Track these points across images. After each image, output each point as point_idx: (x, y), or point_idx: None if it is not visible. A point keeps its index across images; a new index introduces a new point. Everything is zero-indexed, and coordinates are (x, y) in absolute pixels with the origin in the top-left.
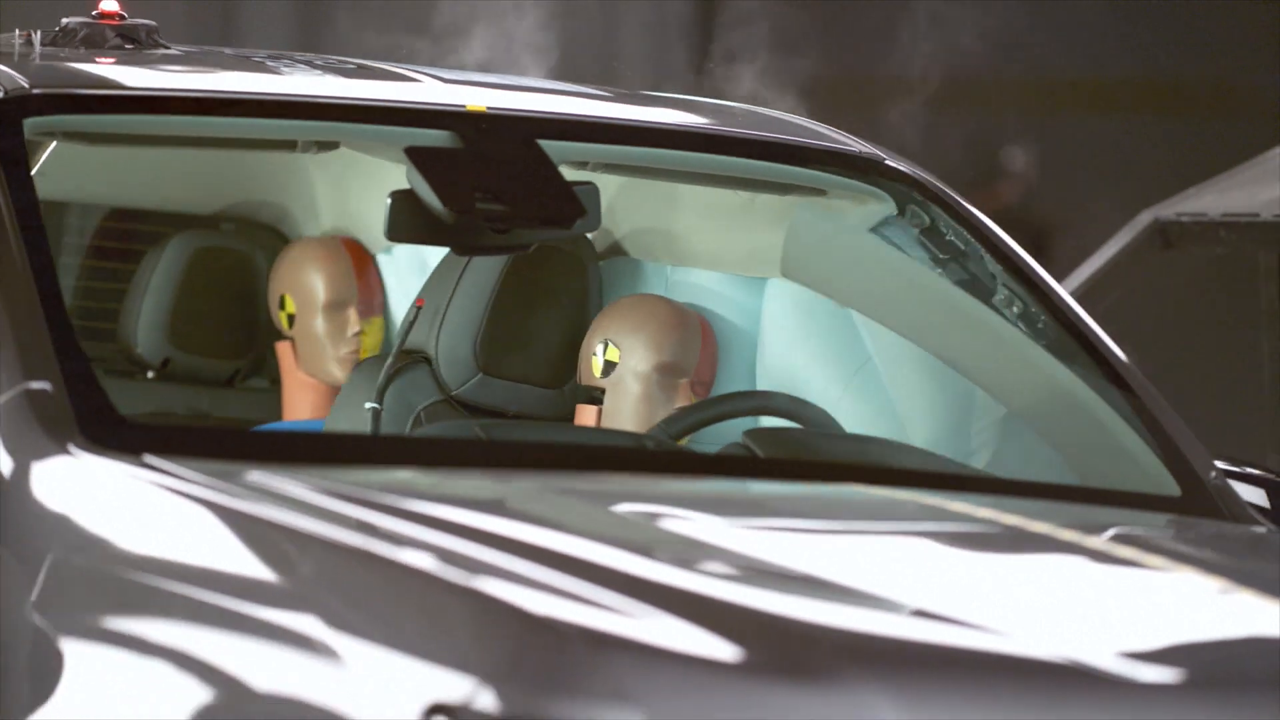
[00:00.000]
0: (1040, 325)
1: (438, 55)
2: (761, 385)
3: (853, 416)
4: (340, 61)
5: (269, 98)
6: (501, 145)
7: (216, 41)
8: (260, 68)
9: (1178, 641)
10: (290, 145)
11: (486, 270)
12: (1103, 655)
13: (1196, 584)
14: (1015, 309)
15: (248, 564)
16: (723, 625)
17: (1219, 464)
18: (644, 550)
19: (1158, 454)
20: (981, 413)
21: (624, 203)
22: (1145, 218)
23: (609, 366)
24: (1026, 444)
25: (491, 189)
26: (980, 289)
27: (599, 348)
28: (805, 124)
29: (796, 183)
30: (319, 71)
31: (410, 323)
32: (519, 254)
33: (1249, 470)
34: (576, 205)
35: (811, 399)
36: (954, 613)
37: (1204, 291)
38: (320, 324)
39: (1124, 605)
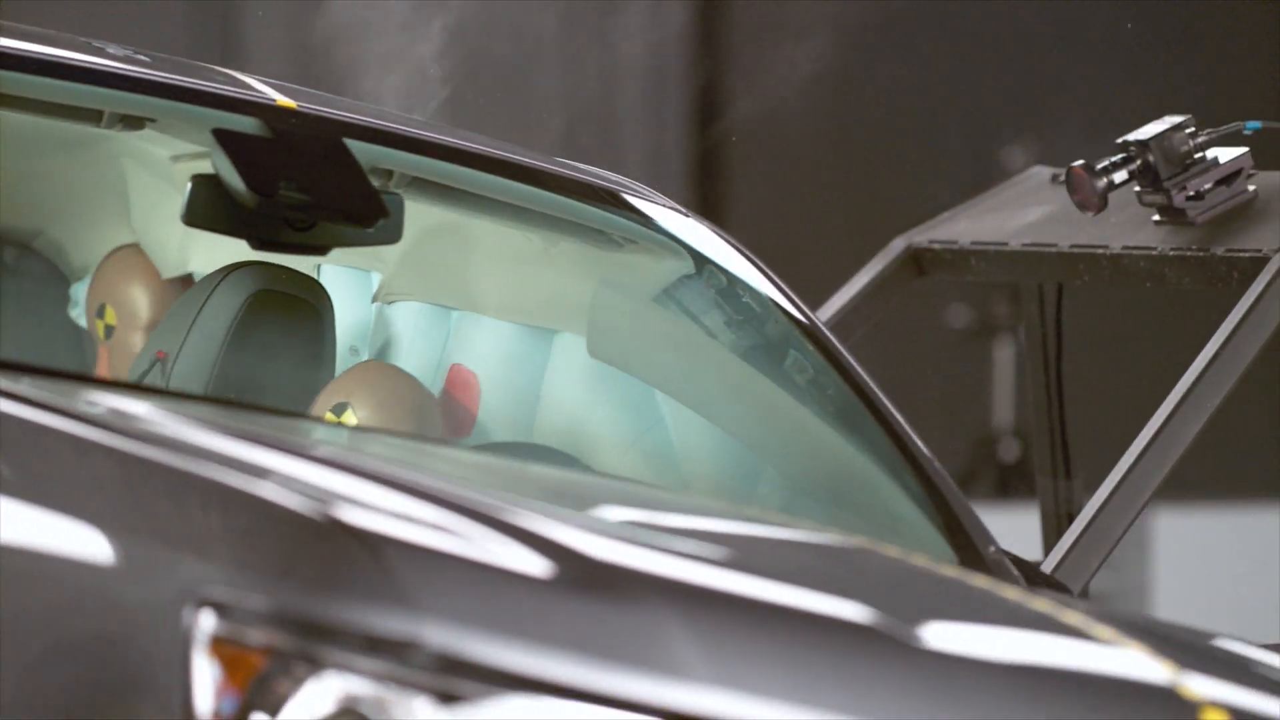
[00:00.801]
0: (830, 393)
1: (437, 55)
2: (540, 440)
3: (636, 477)
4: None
5: (71, 61)
6: (308, 142)
7: (216, 44)
8: (88, 48)
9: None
10: (95, 118)
11: (218, 318)
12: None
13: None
14: (805, 377)
15: (29, 466)
16: (507, 535)
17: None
18: (431, 468)
19: (938, 527)
20: (768, 484)
21: (417, 244)
22: (899, 244)
23: None
24: (811, 516)
25: (295, 183)
26: (772, 355)
27: (335, 413)
28: (615, 177)
29: (600, 229)
30: (144, 61)
31: (143, 374)
32: (253, 300)
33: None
34: (380, 208)
35: (593, 457)
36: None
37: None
38: (140, 344)
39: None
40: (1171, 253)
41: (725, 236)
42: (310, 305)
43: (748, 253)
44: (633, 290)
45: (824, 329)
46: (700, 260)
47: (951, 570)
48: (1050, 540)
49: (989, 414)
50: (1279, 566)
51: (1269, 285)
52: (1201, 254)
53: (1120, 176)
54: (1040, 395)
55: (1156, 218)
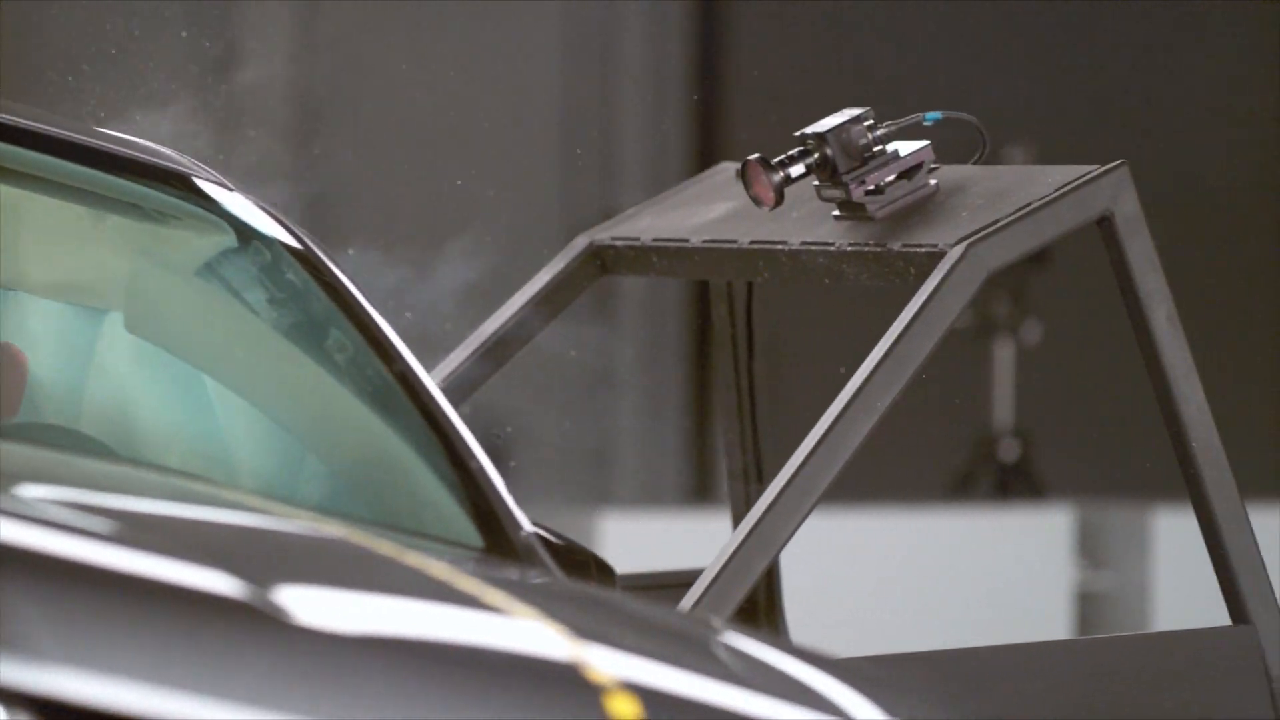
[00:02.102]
0: (368, 374)
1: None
2: (86, 426)
3: (184, 464)
4: None
5: None
6: None
7: (216, 44)
8: None
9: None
10: None
11: None
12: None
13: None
14: (344, 357)
15: None
16: None
17: (534, 525)
18: None
19: (466, 510)
20: (298, 464)
21: None
22: (581, 242)
23: None
24: (339, 498)
25: None
26: (315, 336)
27: None
28: (164, 150)
29: (143, 204)
30: None
31: None
32: None
33: (557, 539)
34: None
35: (139, 443)
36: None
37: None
38: None
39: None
40: (849, 248)
41: (273, 212)
42: None
43: (296, 228)
44: (173, 265)
45: (368, 309)
46: (246, 236)
47: (409, 558)
48: None
49: (989, 414)
50: (1279, 566)
51: (944, 280)
52: (879, 249)
53: (797, 170)
54: (729, 397)
55: (837, 213)
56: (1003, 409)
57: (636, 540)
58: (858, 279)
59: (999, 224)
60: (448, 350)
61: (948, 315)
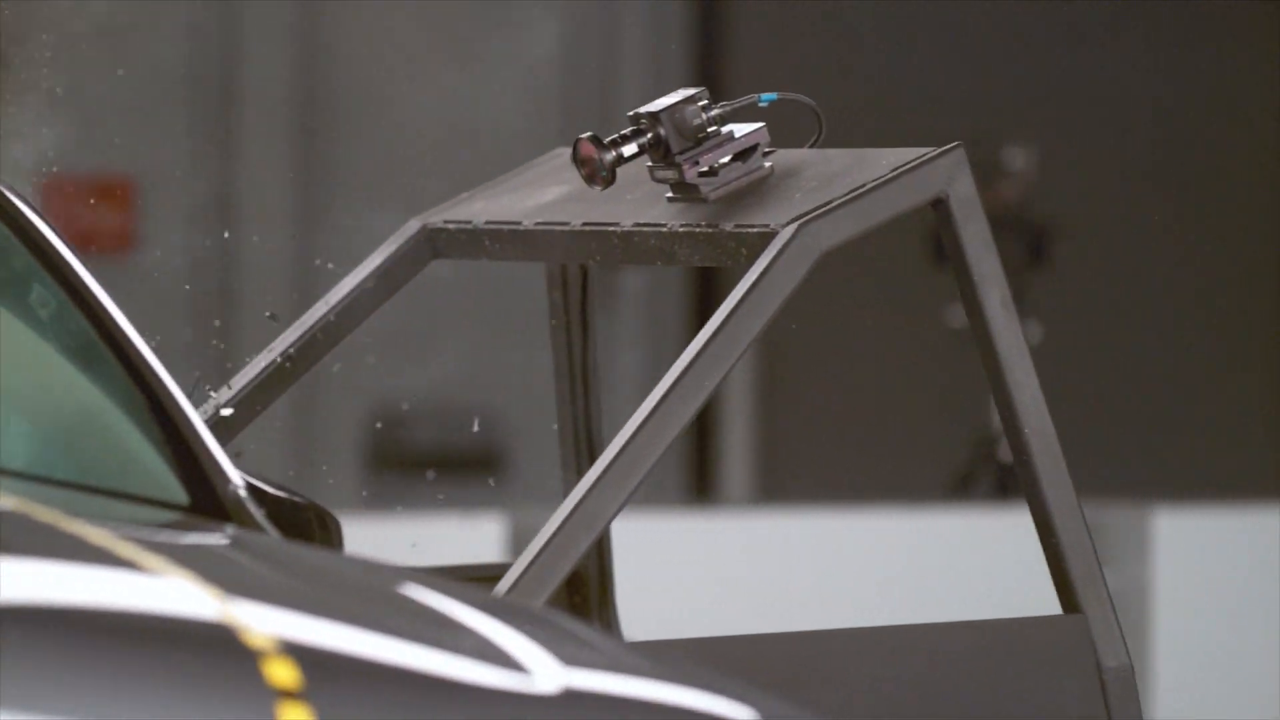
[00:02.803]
0: (74, 331)
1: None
2: None
3: None
4: None
5: None
6: None
7: (216, 43)
8: None
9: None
10: None
11: None
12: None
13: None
14: (50, 313)
15: None
16: None
17: (248, 478)
18: None
19: (171, 466)
20: (13, 426)
21: None
22: (413, 225)
23: None
24: (56, 459)
25: None
26: (14, 291)
27: None
28: None
29: None
30: None
31: None
32: None
33: (279, 491)
34: None
35: None
36: None
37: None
38: None
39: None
40: (681, 229)
41: None
42: None
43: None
44: None
45: (74, 265)
46: None
47: (69, 525)
48: None
49: (989, 414)
50: (1279, 566)
51: (774, 260)
52: (711, 230)
53: (630, 150)
54: (564, 386)
55: (670, 194)
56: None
57: (637, 540)
58: (690, 260)
59: (831, 205)
60: (445, 352)
61: (778, 295)
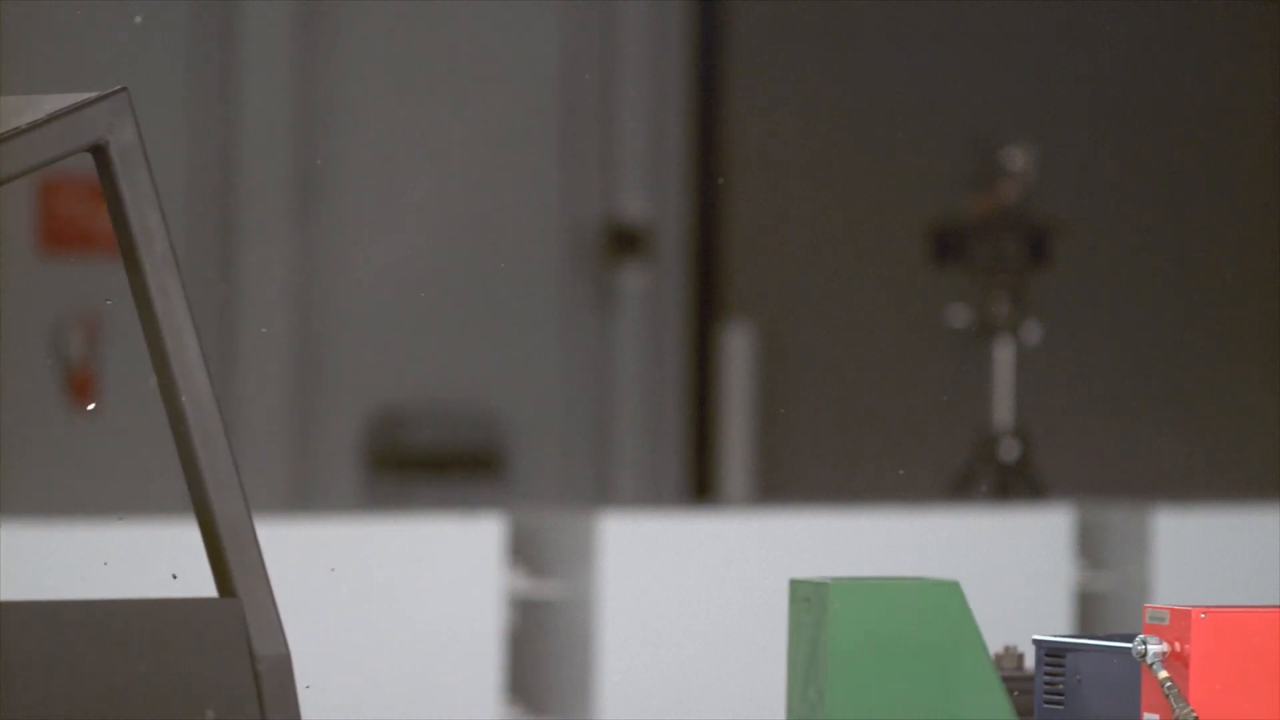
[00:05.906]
0: None
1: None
2: None
3: None
4: None
5: None
6: None
7: (217, 42)
8: None
9: None
10: None
11: None
12: None
13: None
14: None
15: None
16: None
17: None
18: None
19: None
20: None
21: None
22: None
23: None
24: None
25: None
26: None
27: None
28: None
29: None
30: None
31: None
32: None
33: None
34: None
35: None
36: None
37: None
38: None
39: None
40: None
41: None
42: None
43: None
44: None
45: None
46: None
47: None
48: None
49: (989, 414)
50: (1279, 566)
51: None
52: None
53: None
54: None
55: None
56: (1003, 409)
57: (637, 540)
58: None
59: None
60: (448, 352)
61: None
